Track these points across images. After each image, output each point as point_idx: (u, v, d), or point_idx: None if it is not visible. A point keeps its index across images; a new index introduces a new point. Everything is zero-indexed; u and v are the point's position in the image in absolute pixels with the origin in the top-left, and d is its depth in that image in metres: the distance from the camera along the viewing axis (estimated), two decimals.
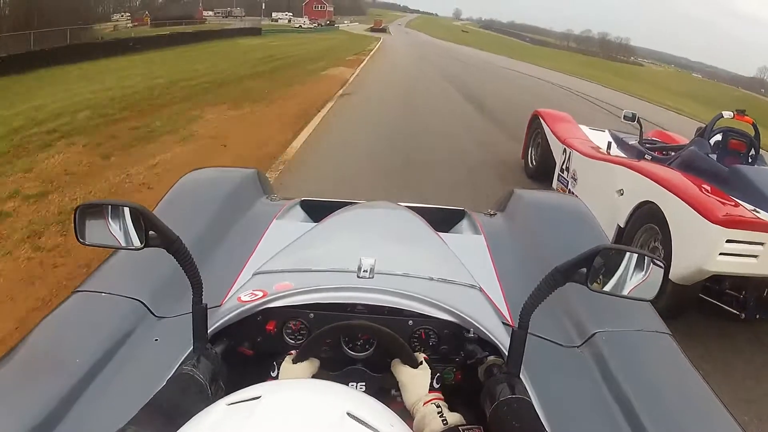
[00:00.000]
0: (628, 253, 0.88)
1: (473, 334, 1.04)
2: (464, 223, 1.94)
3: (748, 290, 3.18)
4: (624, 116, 4.96)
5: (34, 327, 1.15)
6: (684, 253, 3.00)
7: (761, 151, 3.99)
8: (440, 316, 1.04)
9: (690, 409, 1.11)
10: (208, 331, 0.96)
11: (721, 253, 2.86)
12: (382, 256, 1.19)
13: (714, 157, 3.77)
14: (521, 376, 0.93)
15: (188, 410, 0.63)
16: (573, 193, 4.49)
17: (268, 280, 1.14)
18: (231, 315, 1.03)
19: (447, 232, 1.77)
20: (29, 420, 0.89)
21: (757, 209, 3.10)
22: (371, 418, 0.58)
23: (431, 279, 1.18)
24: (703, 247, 2.90)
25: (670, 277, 2.90)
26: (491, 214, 2.01)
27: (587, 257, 0.85)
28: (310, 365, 0.96)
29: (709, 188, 3.32)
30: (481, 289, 1.22)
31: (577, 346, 1.25)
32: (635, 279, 0.89)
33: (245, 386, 0.64)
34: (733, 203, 3.14)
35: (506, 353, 0.95)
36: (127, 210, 0.90)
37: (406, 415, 0.93)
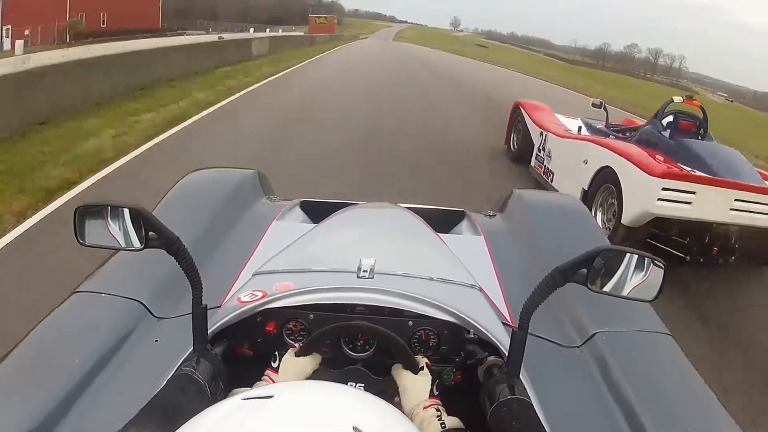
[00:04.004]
0: (628, 254, 0.88)
1: (473, 334, 1.04)
2: (464, 224, 1.94)
3: (691, 237, 3.96)
4: (592, 104, 6.23)
5: (34, 327, 1.15)
6: (631, 202, 3.92)
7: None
8: (440, 317, 1.04)
9: (689, 410, 1.11)
10: (208, 332, 0.96)
11: (659, 199, 3.75)
12: (381, 256, 1.19)
13: (667, 134, 4.69)
14: (521, 376, 0.93)
15: (188, 411, 0.63)
16: (548, 168, 5.54)
17: (268, 281, 1.14)
18: (231, 315, 1.03)
19: (447, 233, 1.77)
20: (29, 420, 0.89)
21: (694, 170, 4.11)
22: None
23: (431, 279, 1.18)
24: (646, 194, 3.79)
25: (621, 221, 3.95)
26: (491, 215, 2.01)
27: (587, 258, 0.85)
28: (312, 360, 0.96)
29: (655, 154, 4.31)
30: (481, 290, 1.22)
31: (577, 347, 1.25)
32: (635, 279, 0.88)
33: (245, 387, 0.64)
34: (671, 163, 4.16)
35: (506, 354, 0.95)
36: (126, 211, 0.90)
37: None
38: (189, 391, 0.85)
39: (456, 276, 1.24)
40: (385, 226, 1.64)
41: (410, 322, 1.06)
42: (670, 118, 4.85)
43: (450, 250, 1.44)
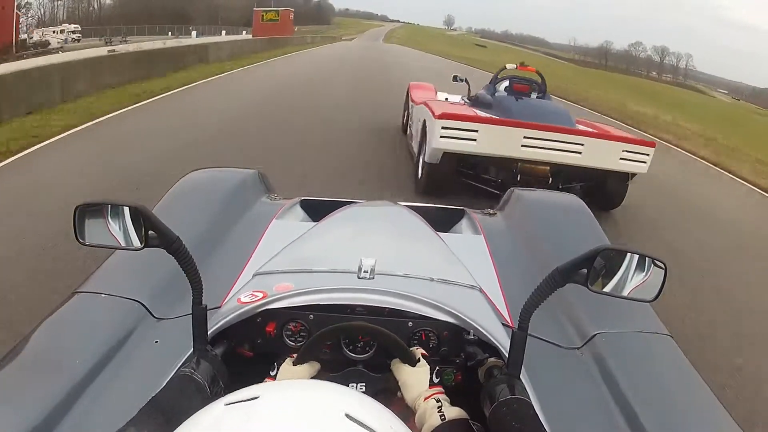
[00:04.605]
0: (629, 254, 0.87)
1: (473, 335, 1.04)
2: (464, 223, 1.94)
3: (502, 175, 4.88)
4: (453, 77, 7.24)
5: (34, 327, 1.15)
6: (429, 143, 4.83)
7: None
8: (440, 318, 1.04)
9: (690, 411, 1.11)
10: (208, 333, 0.96)
11: (441, 136, 4.60)
12: (382, 256, 1.19)
13: (499, 95, 5.74)
14: (521, 377, 0.93)
15: (187, 411, 0.63)
16: (412, 133, 6.39)
17: (268, 281, 1.14)
18: (231, 316, 1.03)
19: (447, 232, 1.76)
20: (29, 420, 0.89)
21: (494, 116, 5.04)
22: (370, 419, 0.57)
23: (431, 280, 1.18)
24: (433, 134, 4.69)
25: (424, 159, 4.95)
26: (491, 214, 2.01)
27: (588, 258, 0.84)
28: (310, 368, 0.96)
29: (473, 109, 5.46)
30: (481, 290, 1.22)
31: (578, 348, 1.25)
32: (636, 280, 0.88)
33: (245, 387, 0.63)
34: (468, 112, 5.12)
35: (506, 355, 0.95)
36: (126, 210, 0.89)
37: (408, 412, 0.93)
38: (189, 392, 0.85)
39: (456, 276, 1.24)
40: (385, 225, 1.63)
41: (410, 323, 1.06)
42: (506, 82, 5.90)
43: (450, 249, 1.43)
